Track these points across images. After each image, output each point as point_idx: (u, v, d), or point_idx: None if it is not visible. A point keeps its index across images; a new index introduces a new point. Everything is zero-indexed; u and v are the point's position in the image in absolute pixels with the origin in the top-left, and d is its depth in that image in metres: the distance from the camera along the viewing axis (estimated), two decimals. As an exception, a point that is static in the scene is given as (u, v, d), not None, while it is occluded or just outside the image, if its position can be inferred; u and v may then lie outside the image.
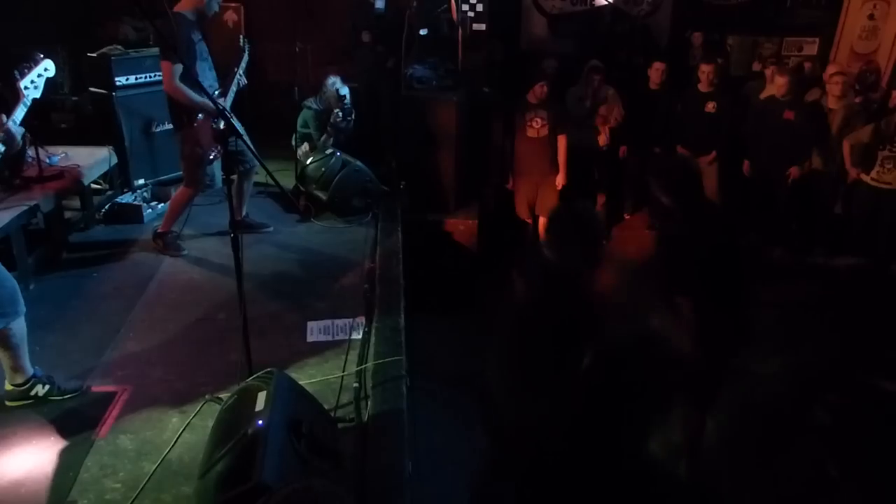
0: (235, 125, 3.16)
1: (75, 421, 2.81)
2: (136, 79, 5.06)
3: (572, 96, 6.01)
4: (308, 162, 5.25)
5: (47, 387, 2.89)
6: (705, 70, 5.73)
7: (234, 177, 4.49)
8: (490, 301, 2.56)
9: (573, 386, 2.32)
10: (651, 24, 7.67)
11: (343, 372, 3.18)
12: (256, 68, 4.51)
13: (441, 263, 5.18)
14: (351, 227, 4.97)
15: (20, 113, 2.75)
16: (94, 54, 5.06)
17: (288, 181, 5.32)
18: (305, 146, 5.50)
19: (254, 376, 2.58)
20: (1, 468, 2.55)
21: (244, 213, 4.68)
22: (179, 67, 3.84)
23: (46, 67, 2.83)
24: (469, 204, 5.71)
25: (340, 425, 2.85)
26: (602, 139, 5.97)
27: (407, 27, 5.47)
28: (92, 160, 4.69)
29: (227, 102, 4.24)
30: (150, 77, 5.14)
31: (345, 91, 5.51)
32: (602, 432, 1.54)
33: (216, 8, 4.08)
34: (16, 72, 2.74)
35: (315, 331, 3.56)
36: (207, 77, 4.11)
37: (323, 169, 5.15)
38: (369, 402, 2.95)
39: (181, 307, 3.76)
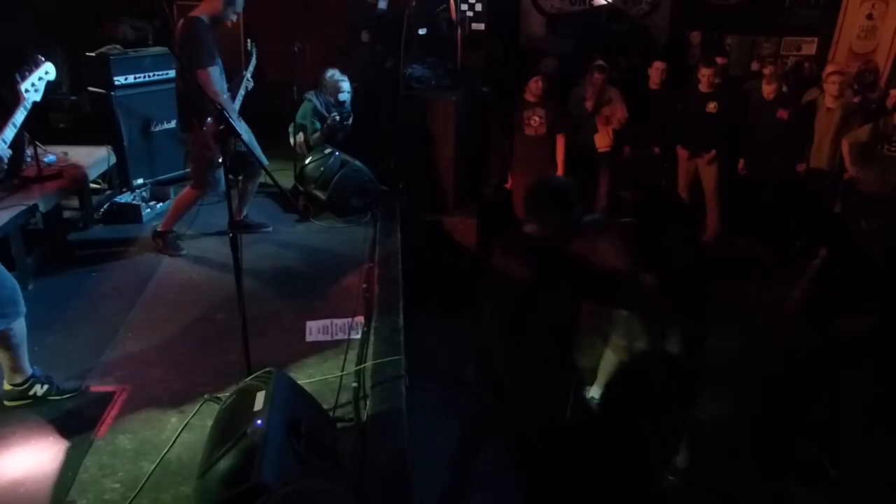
0: (239, 127, 3.15)
1: (74, 421, 2.81)
2: (135, 78, 5.07)
3: (575, 96, 6.00)
4: (307, 162, 5.25)
5: (46, 387, 2.89)
6: (705, 73, 5.75)
7: (240, 177, 4.50)
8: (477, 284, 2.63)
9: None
10: (650, 24, 7.67)
11: (342, 372, 3.18)
12: (256, 68, 4.52)
13: (440, 263, 5.18)
14: (350, 226, 4.97)
15: (20, 116, 2.75)
16: (93, 54, 5.06)
17: (287, 181, 5.32)
18: (300, 136, 5.51)
19: (253, 376, 2.58)
20: (0, 468, 2.55)
21: (244, 214, 4.68)
22: (215, 70, 3.86)
23: (47, 70, 2.84)
24: (468, 203, 5.71)
25: (339, 425, 2.85)
26: (601, 139, 5.95)
27: (406, 27, 5.47)
28: (90, 160, 4.69)
29: (235, 104, 4.26)
30: (149, 77, 5.14)
31: (346, 84, 5.51)
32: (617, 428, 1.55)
33: (233, 17, 4.08)
34: (17, 75, 2.74)
35: (314, 330, 3.56)
36: (219, 82, 4.12)
37: (322, 169, 5.15)
38: (368, 402, 2.95)
39: (180, 307, 3.75)
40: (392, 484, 2.51)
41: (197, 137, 4.07)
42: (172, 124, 5.29)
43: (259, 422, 2.23)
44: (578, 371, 2.91)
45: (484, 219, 5.53)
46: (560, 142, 5.57)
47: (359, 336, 3.48)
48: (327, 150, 5.25)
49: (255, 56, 4.42)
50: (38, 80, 2.80)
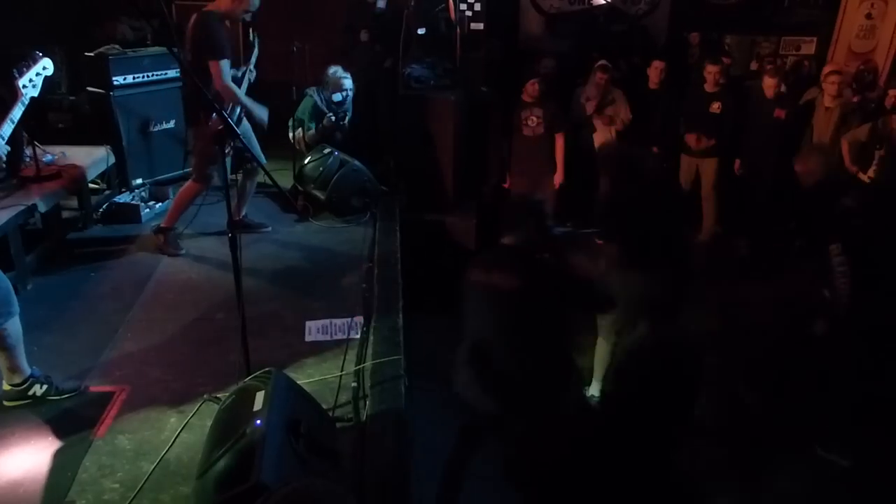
0: (237, 125, 3.15)
1: (73, 421, 2.81)
2: (134, 78, 5.06)
3: (578, 96, 6.00)
4: (306, 161, 5.25)
5: (45, 387, 2.89)
6: (712, 71, 5.73)
7: (238, 176, 4.50)
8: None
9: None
10: (649, 24, 7.67)
11: (341, 371, 3.18)
12: (254, 67, 4.52)
13: (439, 263, 5.18)
14: (349, 226, 4.97)
15: (18, 112, 2.73)
16: (92, 54, 5.05)
17: (286, 181, 5.32)
18: (300, 132, 5.52)
19: (252, 376, 2.58)
20: (-1, 468, 2.55)
21: (243, 214, 4.67)
22: (227, 63, 3.89)
23: (45, 66, 2.82)
24: (467, 203, 5.71)
25: (339, 425, 2.85)
26: (601, 139, 5.94)
27: (404, 26, 5.47)
28: (89, 160, 4.69)
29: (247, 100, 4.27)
30: (148, 77, 5.14)
31: (348, 81, 5.52)
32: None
33: (246, 17, 4.10)
34: (14, 70, 2.73)
35: (313, 330, 3.56)
36: (229, 76, 4.14)
37: (321, 168, 5.14)
38: (368, 402, 2.95)
39: (179, 307, 3.75)
40: (391, 484, 2.51)
41: (201, 132, 4.07)
42: (171, 124, 5.30)
43: (258, 422, 2.23)
44: (578, 370, 2.97)
45: (483, 218, 5.53)
46: (559, 141, 5.56)
47: (358, 336, 3.48)
48: (326, 150, 5.25)
49: (257, 47, 4.43)
50: (36, 75, 2.78)
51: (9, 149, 2.72)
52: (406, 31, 5.50)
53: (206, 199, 4.81)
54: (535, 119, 5.48)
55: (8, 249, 3.70)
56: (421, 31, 5.83)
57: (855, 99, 5.78)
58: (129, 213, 4.88)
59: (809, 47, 7.62)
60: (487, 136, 6.06)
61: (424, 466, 3.13)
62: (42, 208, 4.00)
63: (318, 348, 3.41)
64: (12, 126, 2.72)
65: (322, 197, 5.11)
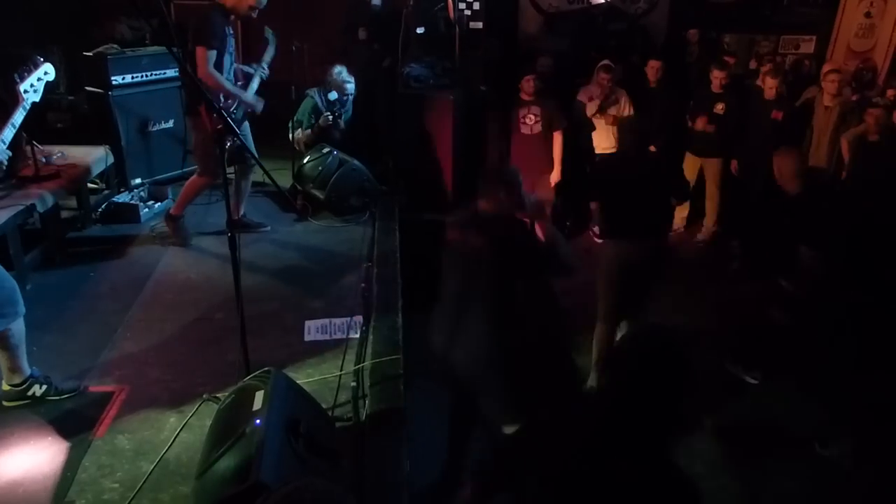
0: (233, 124, 3.15)
1: (73, 421, 2.81)
2: (133, 78, 5.06)
3: (583, 95, 5.99)
4: (305, 161, 5.25)
5: (45, 387, 2.89)
6: (718, 76, 5.73)
7: (232, 174, 4.50)
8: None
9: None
10: (648, 23, 7.67)
11: (341, 371, 3.18)
12: (267, 66, 4.53)
13: (438, 262, 5.19)
14: (348, 226, 4.97)
15: (19, 117, 2.74)
16: (91, 53, 5.05)
17: (285, 180, 5.32)
18: (299, 132, 5.53)
19: (251, 376, 2.58)
20: (-1, 468, 2.55)
21: (242, 213, 4.67)
22: (213, 54, 3.91)
23: (46, 71, 2.83)
24: (466, 202, 5.67)
25: (338, 424, 2.86)
26: (601, 139, 5.93)
27: (403, 26, 5.47)
28: (88, 159, 4.68)
29: (249, 92, 4.29)
30: (147, 76, 5.14)
31: (350, 86, 5.52)
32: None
33: (252, 14, 4.13)
34: (15, 75, 2.74)
35: (313, 330, 3.56)
36: (231, 72, 4.20)
37: (320, 168, 5.14)
38: (367, 402, 2.96)
39: (178, 307, 3.75)
40: (390, 483, 2.51)
41: (199, 123, 4.08)
42: (170, 124, 5.29)
43: (258, 421, 2.23)
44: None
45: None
46: (557, 140, 5.56)
47: (357, 335, 3.48)
48: (325, 150, 5.25)
49: (273, 45, 4.44)
50: (38, 80, 2.79)
51: (10, 153, 2.73)
52: (405, 30, 5.50)
53: (205, 199, 4.83)
54: (532, 117, 5.48)
55: (7, 249, 3.70)
56: (420, 31, 5.82)
57: (854, 98, 5.78)
58: (128, 213, 4.88)
59: (808, 46, 7.62)
60: (486, 135, 6.05)
61: (423, 466, 3.13)
62: (41, 208, 4.00)
63: (318, 348, 3.41)
64: (14, 131, 2.73)
65: (321, 196, 5.11)
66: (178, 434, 2.75)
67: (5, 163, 2.70)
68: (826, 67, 5.81)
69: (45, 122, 5.48)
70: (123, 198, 5.04)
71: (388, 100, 5.83)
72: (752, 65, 7.25)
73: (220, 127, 2.70)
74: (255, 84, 4.33)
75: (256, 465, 2.08)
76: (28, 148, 4.15)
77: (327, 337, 3.51)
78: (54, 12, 5.73)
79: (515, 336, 2.82)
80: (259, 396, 2.36)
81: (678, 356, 1.59)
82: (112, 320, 3.58)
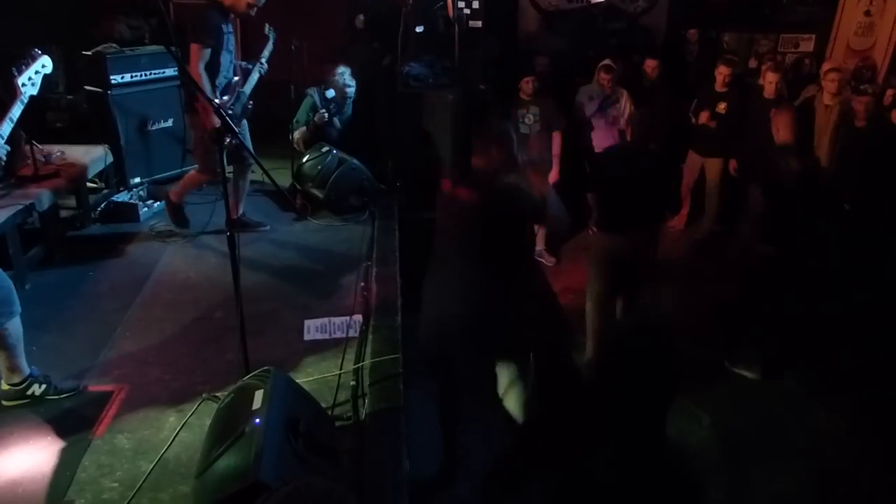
0: (232, 124, 3.15)
1: (72, 420, 2.81)
2: (132, 77, 5.05)
3: (583, 95, 5.99)
4: (304, 160, 5.25)
5: (44, 386, 2.89)
6: (723, 72, 5.71)
7: (230, 172, 4.49)
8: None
9: None
10: (647, 22, 7.66)
11: (340, 370, 3.18)
12: (266, 62, 4.52)
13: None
14: (348, 225, 4.97)
15: (17, 110, 2.72)
16: (89, 52, 5.04)
17: (284, 180, 5.31)
18: (297, 134, 5.54)
19: (251, 375, 2.58)
20: (-2, 468, 2.55)
21: (241, 212, 4.67)
22: (207, 52, 3.91)
23: (44, 64, 2.81)
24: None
25: (338, 423, 2.85)
26: (600, 139, 5.92)
27: (403, 24, 5.46)
28: (87, 159, 4.68)
29: (247, 88, 4.29)
30: (146, 75, 5.13)
31: (351, 90, 5.52)
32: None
33: (250, 12, 4.13)
34: (13, 68, 2.72)
35: (312, 329, 3.56)
36: (229, 70, 4.21)
37: (319, 167, 5.14)
38: (366, 401, 2.95)
39: (178, 306, 3.75)
40: (390, 482, 2.51)
41: (197, 121, 4.09)
42: (169, 123, 5.29)
43: (257, 420, 2.23)
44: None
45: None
46: (556, 139, 5.55)
47: (357, 334, 3.48)
48: (325, 149, 5.24)
49: (271, 41, 4.44)
50: (35, 73, 2.77)
51: (8, 148, 2.72)
52: (404, 28, 5.49)
53: (204, 199, 4.83)
54: (531, 117, 5.48)
55: (6, 249, 3.70)
56: (419, 29, 5.81)
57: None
58: (128, 212, 4.88)
59: (808, 45, 7.61)
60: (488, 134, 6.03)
61: (423, 465, 3.14)
62: (40, 207, 3.99)
63: (317, 347, 3.41)
64: (12, 125, 2.71)
65: (320, 195, 5.10)
66: (177, 433, 2.74)
67: (4, 158, 2.69)
68: (826, 66, 5.80)
69: (45, 122, 5.48)
70: (123, 197, 5.04)
71: (388, 99, 5.82)
72: (752, 63, 7.25)
73: (218, 126, 2.70)
74: (253, 80, 4.33)
75: (256, 465, 2.08)
76: (27, 147, 4.15)
77: (327, 336, 3.51)
78: (53, 12, 5.72)
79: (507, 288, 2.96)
80: (258, 395, 2.36)
81: (667, 351, 1.62)
82: (111, 319, 3.58)
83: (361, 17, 6.31)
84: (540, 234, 5.76)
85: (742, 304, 4.49)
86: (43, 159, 4.34)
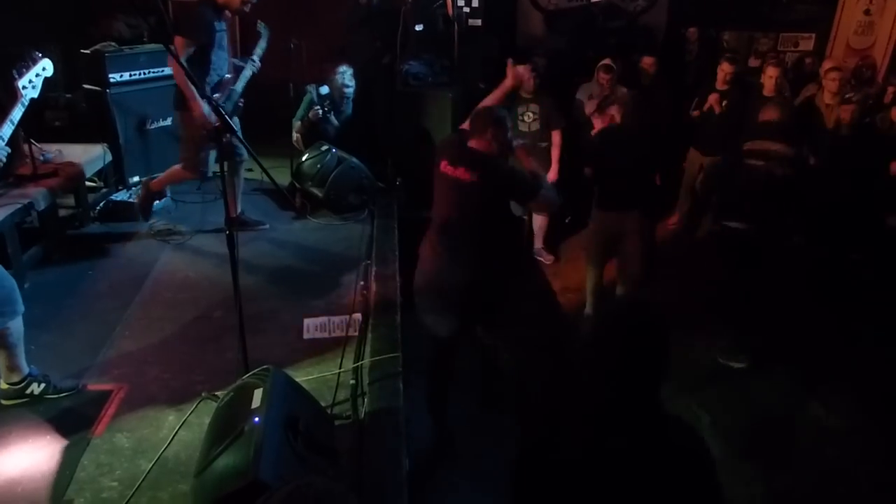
0: (229, 120, 3.15)
1: (71, 419, 2.81)
2: (131, 75, 5.05)
3: (583, 93, 5.99)
4: (303, 159, 5.25)
5: (43, 385, 2.89)
6: (726, 70, 5.69)
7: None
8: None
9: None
10: (647, 20, 7.66)
11: (340, 369, 3.18)
12: (259, 59, 4.51)
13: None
14: (347, 224, 4.96)
15: (18, 113, 2.72)
16: (88, 51, 5.04)
17: (283, 178, 5.31)
18: (294, 129, 5.54)
19: (250, 373, 2.58)
20: (-3, 467, 2.54)
21: (240, 211, 4.67)
22: (192, 48, 3.91)
23: (45, 67, 2.82)
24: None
25: (337, 422, 2.85)
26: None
27: (402, 23, 5.45)
28: (86, 157, 4.68)
29: (238, 86, 4.27)
30: (145, 74, 5.12)
31: (350, 87, 5.51)
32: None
33: (244, 8, 4.12)
34: (14, 71, 2.72)
35: (311, 328, 3.55)
36: (222, 67, 4.19)
37: (318, 166, 5.14)
38: (366, 400, 2.95)
39: (177, 305, 3.75)
40: (389, 481, 2.51)
41: (187, 118, 4.08)
42: (168, 121, 5.28)
43: (257, 419, 2.23)
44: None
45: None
46: (555, 138, 5.54)
47: (356, 333, 3.47)
48: (324, 147, 5.24)
49: (265, 39, 4.42)
50: (36, 76, 2.78)
51: (9, 150, 2.72)
52: (404, 27, 5.48)
53: (203, 197, 4.82)
54: (531, 115, 5.47)
55: (5, 248, 3.70)
56: (419, 28, 5.81)
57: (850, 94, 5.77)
58: (127, 211, 4.87)
59: (808, 43, 7.61)
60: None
61: (422, 463, 3.14)
62: (39, 206, 3.99)
63: (317, 346, 3.41)
64: (12, 127, 2.71)
65: (320, 194, 5.10)
66: (176, 432, 2.74)
67: (3, 160, 2.69)
68: (826, 65, 5.80)
69: (43, 121, 5.46)
70: (122, 196, 5.04)
71: (387, 97, 5.82)
72: (753, 62, 7.24)
73: (217, 125, 2.70)
74: (245, 78, 4.32)
75: (255, 463, 2.07)
76: (26, 146, 4.14)
77: (326, 335, 3.51)
78: (52, 10, 5.71)
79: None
80: (258, 394, 2.36)
81: (659, 329, 1.66)
82: (110, 319, 3.58)
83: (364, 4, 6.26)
84: (539, 232, 5.75)
85: (722, 285, 4.66)
86: (41, 158, 4.34)
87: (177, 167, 4.45)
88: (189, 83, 3.85)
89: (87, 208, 4.76)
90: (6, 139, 2.67)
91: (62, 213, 4.63)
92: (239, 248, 2.77)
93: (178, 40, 3.90)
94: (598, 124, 5.88)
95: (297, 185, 5.28)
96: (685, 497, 1.61)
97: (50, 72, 2.84)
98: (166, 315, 3.64)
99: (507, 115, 3.14)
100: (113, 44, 5.19)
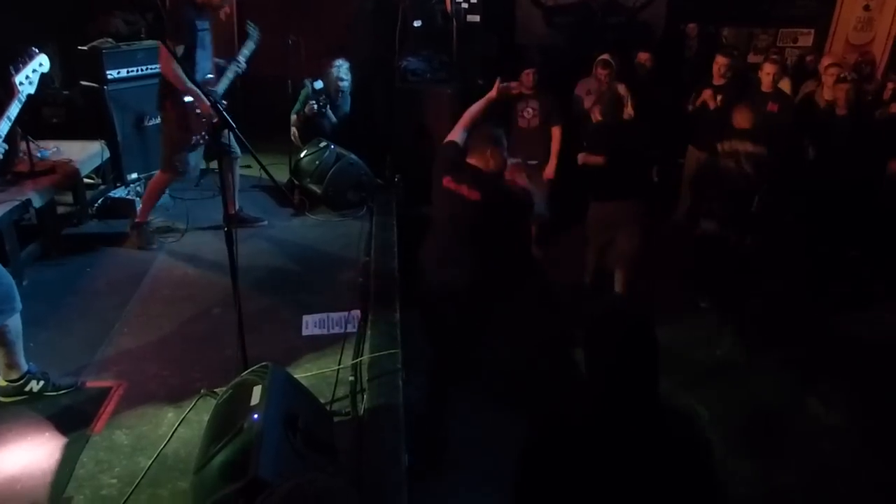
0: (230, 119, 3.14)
1: (70, 417, 2.81)
2: (128, 72, 5.02)
3: (582, 89, 5.97)
4: (302, 155, 5.24)
5: (42, 383, 2.88)
6: (720, 62, 5.67)
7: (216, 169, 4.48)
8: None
9: None
10: (646, 16, 7.64)
11: (339, 366, 3.18)
12: (248, 61, 4.49)
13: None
14: (346, 220, 4.96)
15: (15, 109, 2.71)
16: (85, 48, 5.01)
17: (282, 175, 5.30)
18: (292, 129, 5.53)
19: (249, 370, 2.58)
20: (-4, 465, 2.54)
21: (238, 207, 4.66)
22: (180, 49, 3.86)
23: (41, 62, 2.80)
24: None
25: (336, 419, 2.85)
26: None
27: (401, 19, 5.44)
28: (84, 154, 4.66)
29: (220, 87, 4.24)
30: (142, 70, 5.09)
31: (345, 81, 5.49)
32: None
33: (222, 4, 4.09)
34: (10, 67, 2.71)
35: (310, 325, 3.55)
36: (205, 67, 4.14)
37: (317, 162, 5.13)
38: (365, 396, 2.95)
39: (176, 302, 3.74)
40: (388, 478, 2.51)
41: (166, 117, 4.06)
42: (166, 119, 5.26)
43: (256, 416, 2.23)
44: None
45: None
46: (555, 134, 5.53)
47: (355, 330, 3.47)
48: (322, 144, 5.23)
49: (252, 39, 4.38)
50: (33, 72, 2.76)
51: (6, 147, 2.71)
52: (402, 23, 5.47)
53: (201, 194, 4.81)
54: (531, 111, 5.45)
55: (3, 245, 3.69)
56: (417, 24, 5.79)
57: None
58: (125, 208, 4.86)
59: (807, 39, 7.59)
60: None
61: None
62: (37, 203, 3.98)
63: (316, 342, 3.40)
64: (9, 124, 2.70)
65: (318, 191, 5.09)
66: (175, 429, 2.74)
67: (1, 156, 2.68)
68: (826, 61, 5.78)
69: (41, 118, 5.45)
70: (120, 193, 5.02)
71: (386, 94, 5.80)
72: (752, 58, 7.23)
73: (215, 120, 2.69)
74: (227, 80, 4.29)
75: (255, 460, 2.07)
76: (23, 143, 4.13)
77: (325, 331, 3.50)
78: (49, 7, 5.69)
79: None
80: (257, 391, 2.36)
81: (644, 326, 1.70)
82: (109, 316, 3.57)
83: None
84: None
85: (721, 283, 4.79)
86: (38, 155, 4.32)
87: (153, 178, 4.44)
88: (188, 81, 3.84)
89: (85, 205, 4.75)
90: (3, 136, 2.66)
91: (60, 210, 4.62)
92: (237, 244, 2.76)
93: (162, 46, 3.87)
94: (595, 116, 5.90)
95: (295, 181, 5.27)
96: (685, 491, 1.62)
97: (46, 67, 2.82)
98: (165, 312, 3.64)
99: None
100: (110, 40, 5.16)
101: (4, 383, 2.85)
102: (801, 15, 7.56)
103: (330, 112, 5.59)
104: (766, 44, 7.55)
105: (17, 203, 3.80)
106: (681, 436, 1.69)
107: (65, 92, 5.51)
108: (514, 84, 4.06)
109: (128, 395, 2.96)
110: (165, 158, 4.29)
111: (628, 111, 5.62)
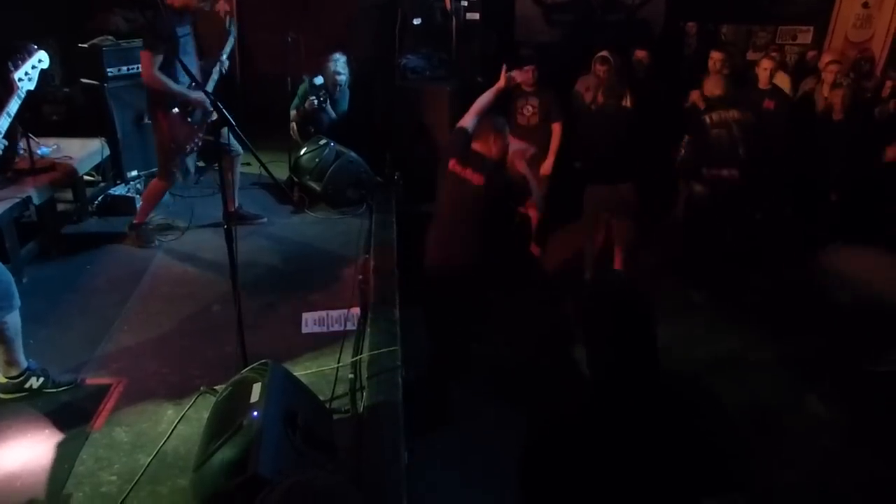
0: (228, 116, 3.14)
1: (70, 414, 2.81)
2: (128, 70, 5.01)
3: (580, 86, 5.97)
4: (301, 153, 5.23)
5: (41, 380, 2.89)
6: (715, 57, 5.66)
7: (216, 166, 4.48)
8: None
9: None
10: (645, 14, 7.63)
11: (338, 363, 3.18)
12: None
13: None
14: (345, 218, 4.96)
15: (14, 105, 2.71)
16: (86, 45, 5.02)
17: (281, 172, 5.30)
18: (293, 128, 5.54)
19: (249, 368, 2.58)
20: (-4, 462, 2.55)
21: (237, 205, 4.66)
22: (160, 58, 3.85)
23: (41, 59, 2.80)
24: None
25: (336, 416, 2.86)
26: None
27: (401, 17, 5.43)
28: (84, 152, 4.67)
29: (207, 88, 4.23)
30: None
31: (342, 75, 5.49)
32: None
33: (202, 5, 4.06)
34: (9, 63, 2.71)
35: (310, 322, 3.56)
36: (188, 70, 4.11)
37: (317, 160, 5.13)
38: (365, 394, 2.95)
39: (175, 299, 3.75)
40: (388, 475, 2.52)
41: (158, 125, 4.06)
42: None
43: (255, 413, 2.23)
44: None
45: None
46: (555, 131, 5.53)
47: (355, 328, 3.48)
48: (322, 142, 5.23)
49: (232, 36, 4.39)
50: (32, 68, 2.76)
51: (6, 143, 2.71)
52: (402, 21, 5.46)
53: (201, 192, 4.81)
54: (530, 108, 5.45)
55: (3, 242, 3.70)
56: (417, 22, 5.79)
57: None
58: (125, 206, 4.87)
59: (806, 36, 7.58)
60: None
61: (420, 457, 3.13)
62: (37, 201, 3.99)
63: (315, 340, 3.41)
64: (9, 120, 2.70)
65: (318, 188, 5.09)
66: (175, 426, 2.75)
67: (0, 153, 2.68)
68: (826, 58, 5.78)
69: (41, 115, 5.45)
70: (119, 190, 5.03)
71: (386, 91, 5.80)
72: (750, 55, 7.22)
73: (214, 118, 2.69)
74: (213, 80, 4.30)
75: (254, 458, 2.08)
76: (24, 140, 4.13)
77: (324, 329, 3.51)
78: (49, 4, 5.69)
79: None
80: (256, 389, 2.36)
81: (638, 293, 1.75)
82: (109, 313, 3.58)
83: None
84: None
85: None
86: (38, 153, 4.32)
87: (150, 184, 4.45)
88: (172, 84, 3.87)
89: (85, 203, 4.76)
90: (3, 132, 2.66)
91: (60, 207, 4.63)
92: (237, 242, 2.76)
93: (144, 55, 3.86)
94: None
95: (295, 179, 5.27)
96: (687, 478, 1.63)
97: (46, 64, 2.82)
98: (165, 309, 3.64)
99: (506, 123, 3.58)
100: (110, 38, 5.17)
101: (4, 380, 2.85)
102: (800, 12, 7.54)
103: (329, 108, 5.59)
104: (765, 41, 7.54)
105: (17, 200, 3.81)
106: (683, 410, 1.71)
107: (65, 89, 5.51)
108: (519, 72, 4.24)
109: (127, 392, 2.97)
110: (161, 167, 4.29)
111: (627, 102, 5.64)
